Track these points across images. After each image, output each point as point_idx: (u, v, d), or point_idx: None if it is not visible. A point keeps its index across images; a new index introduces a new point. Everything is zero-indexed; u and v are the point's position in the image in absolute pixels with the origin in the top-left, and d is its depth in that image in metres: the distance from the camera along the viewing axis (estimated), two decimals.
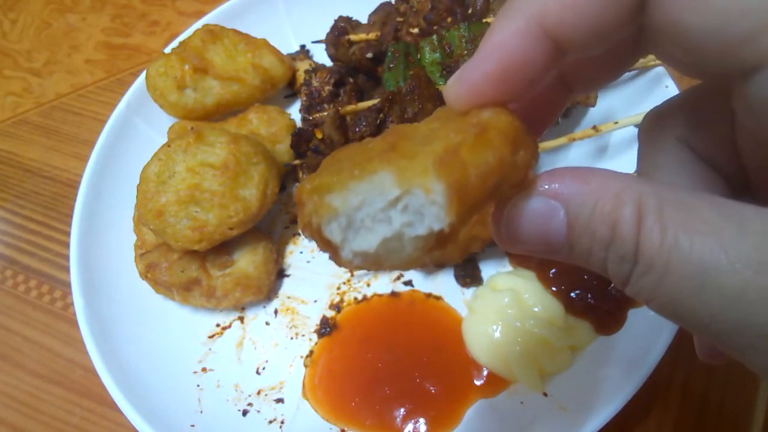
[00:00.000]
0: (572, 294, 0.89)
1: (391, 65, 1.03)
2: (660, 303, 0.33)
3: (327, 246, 0.36)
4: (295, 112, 1.22)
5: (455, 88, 0.38)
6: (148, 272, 0.98)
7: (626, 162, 0.98)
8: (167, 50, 1.17)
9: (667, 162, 0.43)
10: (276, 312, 1.02)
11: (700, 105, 0.43)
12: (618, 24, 0.36)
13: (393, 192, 0.33)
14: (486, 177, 0.33)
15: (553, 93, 0.45)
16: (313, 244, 1.08)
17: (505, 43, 0.36)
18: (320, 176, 0.36)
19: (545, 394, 0.83)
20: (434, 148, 0.34)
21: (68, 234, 1.04)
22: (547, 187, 0.36)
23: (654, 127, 0.45)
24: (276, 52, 1.20)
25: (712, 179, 0.43)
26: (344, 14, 1.18)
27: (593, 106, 1.06)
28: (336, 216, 0.34)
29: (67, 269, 1.01)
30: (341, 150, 0.39)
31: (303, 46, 1.31)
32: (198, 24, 1.25)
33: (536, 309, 0.87)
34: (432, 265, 0.33)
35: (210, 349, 0.98)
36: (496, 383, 0.86)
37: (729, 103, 0.37)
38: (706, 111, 0.42)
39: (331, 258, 0.37)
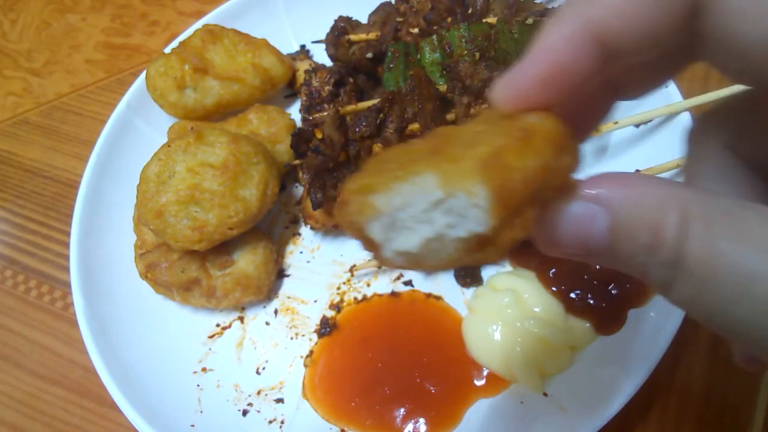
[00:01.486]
0: (572, 294, 0.89)
1: (391, 65, 1.03)
2: (703, 311, 0.33)
3: (369, 244, 0.37)
4: (295, 112, 1.22)
5: (503, 90, 0.38)
6: (148, 272, 0.98)
7: (626, 162, 0.98)
8: (167, 50, 1.17)
9: (714, 168, 0.43)
10: (276, 312, 1.02)
11: (749, 111, 0.43)
12: (669, 31, 0.35)
13: (436, 194, 0.34)
14: (529, 182, 0.34)
15: (598, 98, 0.45)
16: (314, 244, 1.08)
17: (554, 47, 0.36)
18: (365, 177, 0.37)
19: (545, 394, 0.83)
20: (478, 151, 0.35)
21: (68, 234, 1.04)
22: (589, 191, 0.36)
23: (701, 132, 0.45)
24: (276, 52, 1.20)
25: (760, 187, 0.43)
26: (344, 14, 1.18)
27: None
28: (379, 216, 0.35)
29: (67, 269, 1.01)
30: (386, 151, 0.40)
31: (303, 46, 1.31)
32: (198, 24, 1.25)
33: (536, 309, 0.87)
34: (472, 266, 0.35)
35: (210, 349, 0.98)
36: (496, 383, 0.86)
37: None
38: (756, 117, 0.42)
39: (373, 257, 0.38)
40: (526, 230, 0.36)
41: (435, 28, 1.06)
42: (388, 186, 0.35)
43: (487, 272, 0.97)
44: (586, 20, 0.36)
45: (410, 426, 0.85)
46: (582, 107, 0.44)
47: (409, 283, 1.00)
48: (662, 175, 0.92)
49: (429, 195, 0.34)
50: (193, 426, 0.88)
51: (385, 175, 0.36)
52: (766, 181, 0.43)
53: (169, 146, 0.97)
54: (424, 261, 0.36)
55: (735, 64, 0.36)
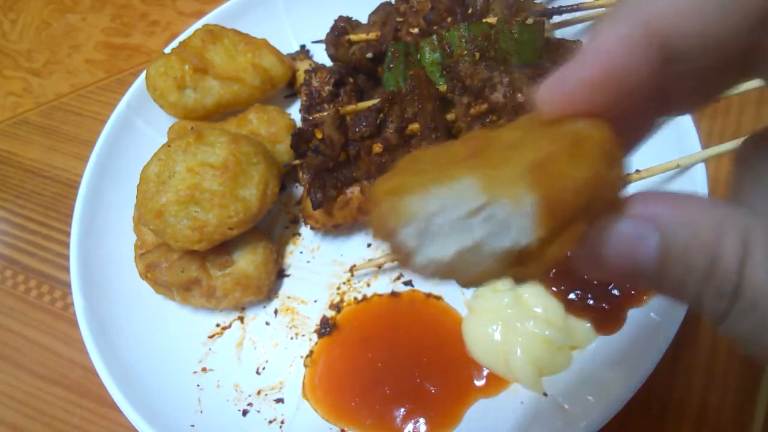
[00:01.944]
0: (572, 294, 0.89)
1: (391, 65, 1.03)
2: (759, 346, 0.31)
3: (399, 251, 0.34)
4: (295, 112, 1.22)
5: (549, 92, 0.35)
6: (148, 272, 0.98)
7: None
8: (167, 50, 1.17)
9: (765, 190, 0.40)
10: (276, 312, 1.02)
11: None
12: (736, 36, 0.33)
13: (477, 200, 0.31)
14: (580, 191, 0.31)
15: (643, 113, 0.41)
16: (314, 244, 1.08)
17: (608, 48, 0.33)
18: (398, 176, 0.34)
19: (545, 394, 0.83)
20: (524, 155, 0.32)
21: (68, 234, 1.04)
22: (640, 209, 0.33)
23: (752, 151, 0.41)
24: (276, 52, 1.20)
25: None
26: (344, 14, 1.18)
27: None
28: (413, 219, 0.32)
29: (67, 269, 1.01)
30: (421, 151, 0.37)
31: (303, 46, 1.31)
32: (198, 24, 1.25)
33: (536, 309, 0.87)
34: (512, 280, 0.32)
35: (210, 349, 0.98)
36: (496, 383, 0.86)
37: None
38: None
39: (401, 264, 0.35)
40: (572, 246, 0.33)
41: (435, 28, 1.06)
42: (424, 188, 0.32)
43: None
44: (646, 18, 0.33)
45: (410, 426, 0.85)
46: (625, 122, 0.40)
47: (409, 283, 1.00)
48: (662, 175, 0.92)
49: (470, 200, 0.31)
50: (193, 426, 0.88)
51: (422, 176, 0.33)
52: None
53: (169, 146, 0.97)
54: (458, 272, 0.33)
55: None
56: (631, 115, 0.39)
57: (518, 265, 0.33)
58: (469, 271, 0.33)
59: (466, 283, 0.34)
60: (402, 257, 0.34)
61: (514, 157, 0.33)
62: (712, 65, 0.35)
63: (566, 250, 0.33)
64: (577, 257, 0.36)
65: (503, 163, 0.33)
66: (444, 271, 0.33)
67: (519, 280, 0.34)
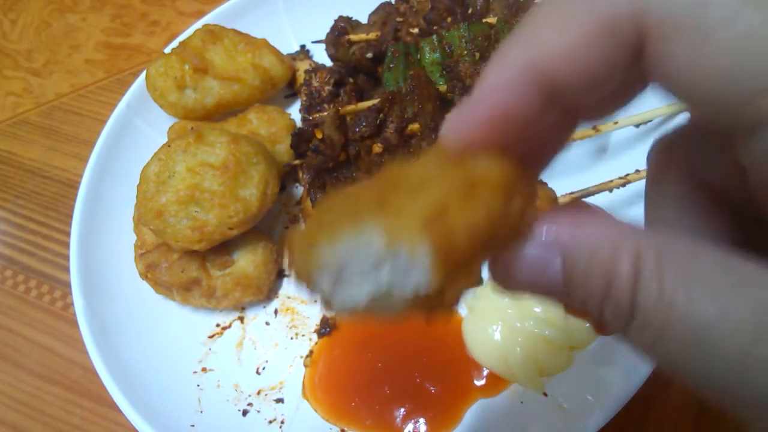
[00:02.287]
0: None
1: (391, 65, 1.03)
2: (658, 360, 0.33)
3: (317, 296, 0.36)
4: (295, 112, 1.22)
5: (450, 128, 0.37)
6: (148, 272, 0.98)
7: (626, 162, 0.98)
8: (167, 50, 1.17)
9: (674, 196, 0.42)
10: (276, 312, 1.02)
11: (707, 136, 0.41)
12: (614, 74, 0.34)
13: (380, 250, 0.33)
14: (474, 236, 0.33)
15: (557, 126, 0.43)
16: None
17: (496, 90, 0.35)
18: (310, 227, 0.36)
19: (545, 394, 0.83)
20: (423, 202, 0.34)
21: (68, 234, 1.04)
22: (543, 233, 0.35)
23: (660, 156, 0.44)
24: (276, 52, 1.20)
25: (721, 211, 0.41)
26: (344, 14, 1.18)
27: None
28: (325, 270, 0.34)
29: (67, 269, 1.01)
30: (331, 197, 0.39)
31: (303, 46, 1.31)
32: (198, 24, 1.25)
33: (536, 309, 0.87)
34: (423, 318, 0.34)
35: (210, 349, 0.98)
36: (496, 383, 0.86)
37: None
38: (714, 142, 0.41)
39: (323, 306, 0.37)
40: (473, 282, 0.35)
41: (435, 28, 1.06)
42: (333, 239, 0.34)
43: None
44: (527, 62, 0.34)
45: (410, 426, 0.85)
46: (540, 136, 0.42)
47: None
48: None
49: (374, 250, 0.33)
50: (193, 426, 0.88)
51: (331, 227, 0.35)
52: (727, 204, 0.42)
53: (169, 146, 0.97)
54: (372, 314, 0.35)
55: (684, 104, 0.35)
56: (542, 133, 0.41)
57: (426, 305, 0.34)
58: (383, 313, 0.35)
59: (386, 320, 0.36)
60: (321, 302, 0.36)
61: (414, 203, 0.34)
62: (603, 93, 0.37)
63: (468, 286, 0.35)
64: (493, 280, 0.38)
65: (402, 210, 0.34)
66: (360, 314, 0.35)
67: (432, 316, 0.36)
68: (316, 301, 0.36)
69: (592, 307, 0.34)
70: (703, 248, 0.32)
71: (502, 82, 0.35)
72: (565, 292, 0.35)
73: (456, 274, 0.34)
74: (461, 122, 0.36)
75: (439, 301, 0.35)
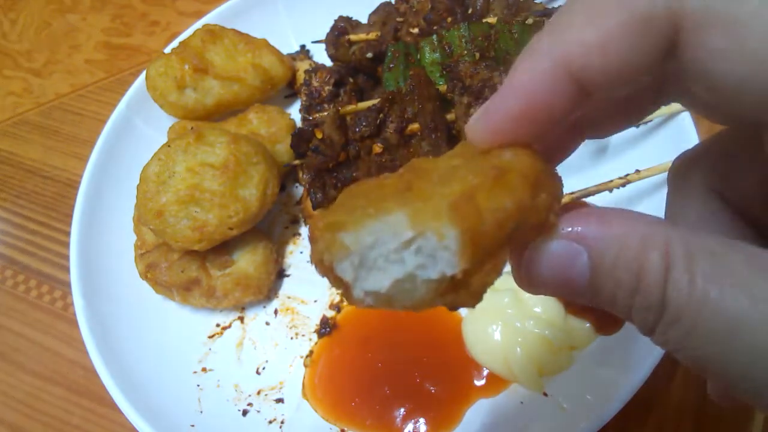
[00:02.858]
0: None
1: (391, 65, 1.03)
2: (687, 355, 0.32)
3: (338, 283, 0.35)
4: (295, 112, 1.22)
5: (477, 125, 0.37)
6: (148, 272, 0.98)
7: (626, 162, 0.98)
8: (167, 50, 1.17)
9: (696, 210, 0.42)
10: (276, 312, 1.02)
11: (730, 152, 0.42)
12: (646, 68, 0.34)
13: (406, 234, 0.33)
14: (502, 223, 0.33)
15: (565, 136, 0.44)
16: None
17: (529, 83, 0.35)
18: (334, 213, 0.36)
19: (545, 394, 0.83)
20: (450, 190, 0.34)
21: (68, 234, 1.04)
22: (569, 229, 0.35)
23: (682, 173, 0.44)
24: (276, 52, 1.20)
25: (742, 230, 0.42)
26: (344, 14, 1.18)
27: None
28: (349, 254, 0.34)
29: (67, 269, 1.01)
30: (357, 185, 0.39)
31: (303, 46, 1.31)
32: (198, 24, 1.25)
33: (536, 309, 0.87)
34: (446, 308, 0.33)
35: (210, 349, 0.98)
36: (496, 383, 0.86)
37: (762, 153, 0.36)
38: (737, 158, 0.41)
39: (342, 295, 0.36)
40: (499, 273, 0.35)
41: (435, 28, 1.06)
42: (358, 223, 0.34)
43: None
44: (560, 56, 0.34)
45: (410, 426, 0.85)
46: (548, 145, 0.42)
47: None
48: (661, 176, 0.92)
49: (400, 234, 0.33)
50: (193, 426, 0.88)
51: (356, 212, 0.35)
52: (749, 225, 0.42)
53: (169, 146, 0.97)
54: (394, 302, 0.35)
55: (711, 103, 0.35)
56: (556, 142, 0.41)
57: (451, 293, 0.34)
58: (406, 301, 0.35)
59: (404, 309, 0.35)
60: (342, 290, 0.36)
61: (442, 190, 0.34)
62: (626, 99, 0.37)
63: (493, 278, 0.34)
64: (516, 278, 0.38)
65: (432, 196, 0.34)
66: (381, 301, 0.35)
67: (454, 306, 0.36)
68: (337, 290, 0.36)
69: (620, 304, 0.34)
70: (732, 243, 0.32)
71: (533, 74, 0.35)
72: (591, 289, 0.35)
73: (483, 261, 0.33)
74: (490, 116, 0.36)
75: (464, 290, 0.34)
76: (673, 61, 0.34)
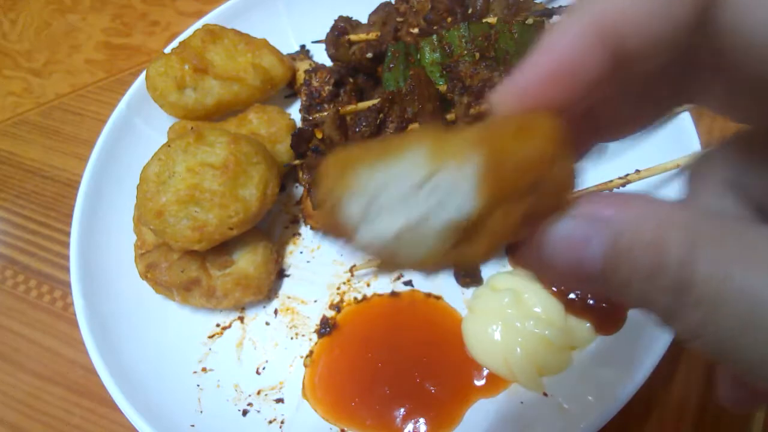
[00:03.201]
0: (572, 294, 0.89)
1: (391, 65, 1.03)
2: (708, 340, 0.31)
3: (339, 228, 0.33)
4: (295, 112, 1.22)
5: (505, 90, 0.36)
6: (148, 272, 0.98)
7: (626, 162, 0.98)
8: (167, 50, 1.17)
9: (715, 207, 0.41)
10: (276, 312, 1.02)
11: (753, 149, 0.41)
12: (683, 32, 0.34)
13: (423, 169, 0.31)
14: (523, 168, 0.31)
15: (579, 138, 0.43)
16: (314, 244, 1.08)
17: (564, 45, 0.35)
18: (348, 150, 0.34)
19: (545, 394, 0.83)
20: (474, 131, 0.33)
21: (68, 234, 1.04)
22: (584, 208, 0.33)
23: (702, 168, 0.43)
24: (276, 52, 1.20)
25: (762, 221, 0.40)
26: (344, 14, 1.18)
27: None
28: (360, 192, 0.32)
29: (67, 269, 1.01)
30: (375, 140, 0.38)
31: (303, 46, 1.31)
32: (198, 24, 1.25)
33: (536, 309, 0.87)
34: (454, 266, 0.31)
35: (210, 349, 0.98)
36: (496, 383, 0.86)
37: None
38: (757, 157, 0.40)
39: (343, 242, 0.34)
40: (512, 228, 0.33)
41: (435, 28, 1.06)
42: (372, 160, 0.32)
43: (487, 272, 0.97)
44: (598, 19, 0.34)
45: (410, 426, 0.85)
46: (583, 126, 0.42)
47: (409, 283, 1.00)
48: (662, 176, 0.92)
49: (416, 170, 0.32)
50: (193, 426, 0.88)
51: (370, 150, 0.33)
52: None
53: (169, 146, 0.97)
54: (400, 252, 0.33)
55: (737, 90, 0.35)
56: (573, 135, 0.40)
57: (461, 243, 0.32)
58: (413, 252, 0.33)
59: (411, 266, 0.34)
60: (345, 234, 0.33)
61: (465, 133, 0.33)
62: (645, 90, 0.37)
63: (507, 227, 0.33)
64: (527, 260, 0.37)
65: (454, 136, 0.33)
66: (386, 250, 0.33)
67: (462, 262, 0.34)
68: (336, 240, 0.33)
69: (635, 289, 0.32)
70: (755, 225, 0.31)
71: (570, 36, 0.35)
72: (604, 272, 0.33)
73: (499, 205, 0.32)
74: (520, 78, 0.35)
75: (475, 240, 0.32)
76: (703, 32, 0.34)
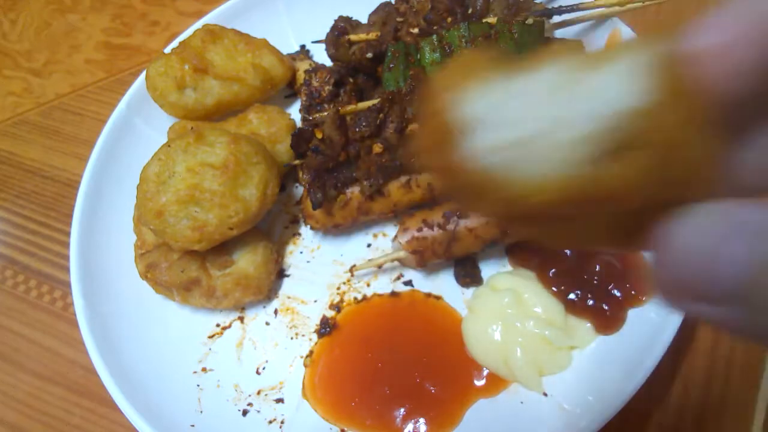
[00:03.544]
0: (572, 294, 0.89)
1: (391, 65, 1.03)
2: None
3: (448, 134, 0.27)
4: (295, 112, 1.22)
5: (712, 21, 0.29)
6: (148, 272, 0.98)
7: None
8: (167, 50, 1.17)
9: None
10: (276, 312, 1.02)
11: None
12: None
13: (567, 74, 0.26)
14: (697, 95, 0.26)
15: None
16: (314, 244, 1.08)
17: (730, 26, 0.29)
18: (473, 60, 0.30)
19: (545, 394, 0.83)
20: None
21: (68, 234, 1.04)
22: (721, 206, 0.26)
23: None
24: (276, 52, 1.20)
25: None
26: (344, 14, 1.18)
27: None
28: (482, 96, 0.27)
29: (67, 269, 1.01)
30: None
31: (303, 46, 1.31)
32: (198, 24, 1.25)
33: (536, 309, 0.87)
34: (580, 203, 0.26)
35: (210, 349, 0.98)
36: (496, 383, 0.86)
37: None
38: None
39: (439, 161, 0.28)
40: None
41: (435, 28, 1.06)
42: (501, 72, 0.28)
43: (487, 272, 0.97)
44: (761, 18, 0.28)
45: (410, 426, 0.85)
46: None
47: (409, 283, 1.00)
48: None
49: (557, 76, 0.26)
50: (193, 426, 0.88)
51: (499, 65, 0.28)
52: None
53: (169, 146, 0.97)
54: (522, 166, 0.26)
55: None
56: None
57: (609, 161, 0.26)
58: (541, 165, 0.26)
59: (523, 193, 0.27)
60: (447, 143, 0.28)
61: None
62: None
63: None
64: (655, 281, 0.29)
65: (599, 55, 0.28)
66: (507, 161, 0.26)
67: (595, 195, 0.27)
68: (434, 141, 0.27)
69: None
70: None
71: (737, 25, 0.29)
72: (743, 288, 0.25)
73: (673, 114, 0.26)
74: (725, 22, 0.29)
75: (621, 160, 0.26)
76: None
